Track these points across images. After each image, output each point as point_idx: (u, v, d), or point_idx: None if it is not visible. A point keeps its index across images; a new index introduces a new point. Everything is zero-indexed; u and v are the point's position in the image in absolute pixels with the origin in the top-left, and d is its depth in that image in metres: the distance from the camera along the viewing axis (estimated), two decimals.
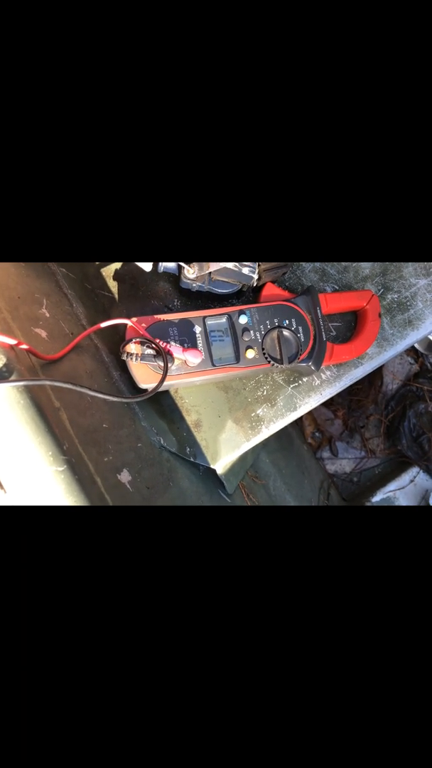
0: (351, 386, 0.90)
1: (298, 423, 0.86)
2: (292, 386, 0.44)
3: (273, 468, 0.62)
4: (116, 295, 0.42)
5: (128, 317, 0.41)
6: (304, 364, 0.41)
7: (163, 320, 0.38)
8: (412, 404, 0.84)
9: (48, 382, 0.27)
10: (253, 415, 0.43)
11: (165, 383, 0.37)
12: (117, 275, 0.43)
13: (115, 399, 0.31)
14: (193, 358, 0.36)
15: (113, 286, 0.43)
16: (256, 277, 0.40)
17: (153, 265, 0.39)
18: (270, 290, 0.42)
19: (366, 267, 0.47)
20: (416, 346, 0.91)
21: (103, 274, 0.43)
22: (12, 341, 0.26)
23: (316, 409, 0.88)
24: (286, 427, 0.46)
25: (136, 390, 0.38)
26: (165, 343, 0.36)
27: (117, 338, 0.40)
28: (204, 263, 0.39)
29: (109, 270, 0.43)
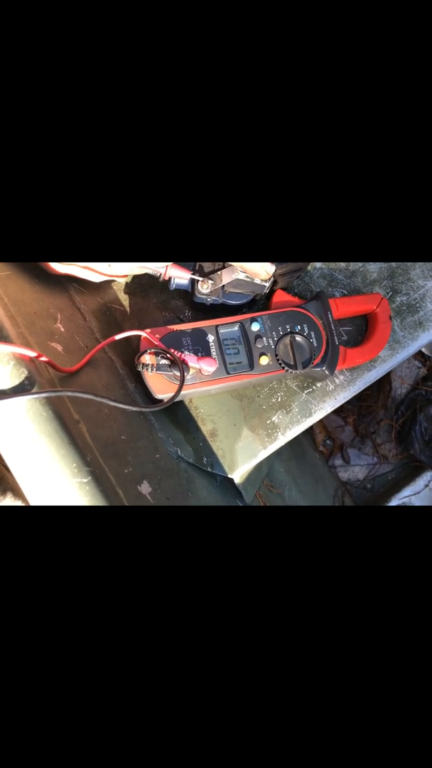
0: (360, 392, 0.90)
1: (309, 431, 0.86)
2: (306, 392, 0.44)
3: (287, 477, 0.61)
4: (128, 309, 0.43)
5: (141, 329, 0.41)
6: (318, 369, 0.41)
7: (177, 330, 0.38)
8: (422, 408, 0.84)
9: (70, 393, 0.27)
10: (268, 422, 0.43)
11: (181, 393, 0.37)
12: (128, 288, 0.43)
13: (134, 409, 0.31)
14: (208, 366, 0.36)
15: (125, 299, 0.43)
16: (269, 285, 0.40)
17: (164, 280, 0.39)
18: (280, 297, 0.42)
19: (374, 271, 0.47)
20: (423, 350, 0.91)
21: (114, 287, 0.43)
22: (32, 353, 0.26)
23: (326, 416, 0.87)
24: (298, 436, 0.45)
25: (151, 401, 0.38)
26: (179, 353, 0.37)
27: (130, 351, 0.40)
28: (217, 276, 0.39)
29: (120, 284, 0.44)
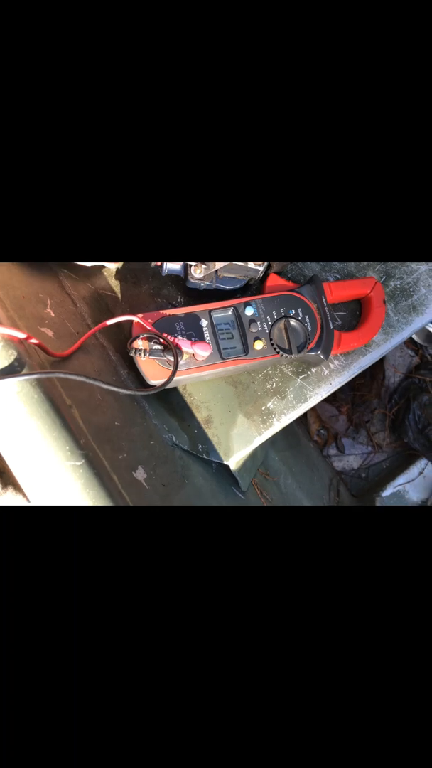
0: (354, 382, 0.90)
1: (303, 421, 0.86)
2: (301, 377, 0.43)
3: (283, 466, 0.61)
4: (119, 295, 0.42)
5: (133, 314, 0.41)
6: (312, 353, 0.41)
7: (169, 315, 0.38)
8: (415, 396, 0.84)
9: (62, 375, 0.26)
10: (263, 408, 0.42)
11: (174, 379, 0.37)
12: (119, 274, 0.43)
13: (127, 392, 0.30)
14: (202, 351, 0.36)
15: (116, 285, 0.42)
16: (263, 269, 0.39)
17: (156, 265, 0.38)
18: (274, 281, 0.42)
19: None
20: (415, 337, 0.91)
21: (105, 274, 0.43)
22: (22, 335, 0.25)
23: (320, 405, 0.87)
24: (292, 426, 0.45)
25: (144, 388, 0.38)
26: (173, 338, 0.36)
27: (122, 337, 0.40)
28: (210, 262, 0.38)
29: (111, 270, 0.43)
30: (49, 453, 0.24)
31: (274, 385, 0.43)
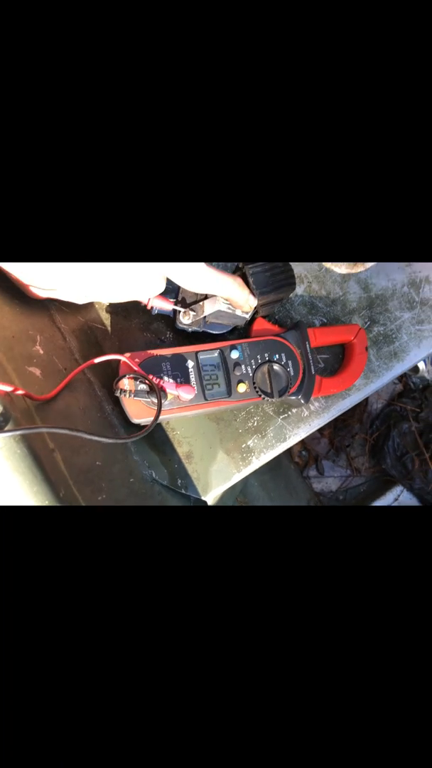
0: None
1: None
2: (281, 417, 0.45)
3: (262, 491, 0.62)
4: (109, 328, 0.43)
5: (121, 352, 0.42)
6: (293, 398, 0.42)
7: (156, 355, 0.39)
8: (396, 424, 0.86)
9: (45, 430, 0.27)
10: (243, 446, 0.44)
11: (161, 416, 0.38)
12: (110, 308, 0.44)
13: (109, 441, 0.31)
14: (186, 394, 0.37)
15: (106, 318, 0.43)
16: (248, 317, 0.40)
17: (147, 308, 0.39)
18: (260, 325, 0.43)
19: (353, 300, 0.48)
20: None
21: (96, 306, 0.43)
22: (8, 388, 0.26)
23: None
24: None
25: (128, 423, 0.39)
26: (158, 379, 0.37)
27: (110, 371, 0.40)
28: (199, 307, 0.39)
29: (102, 303, 0.44)
30: (28, 505, 0.25)
31: (255, 424, 0.44)
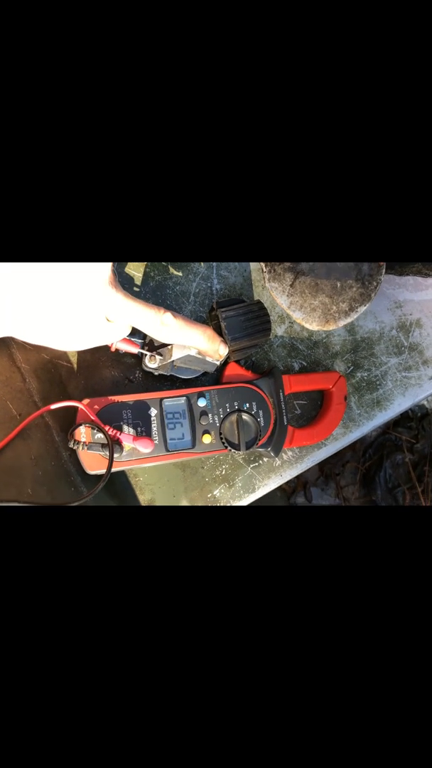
0: None
1: None
2: (252, 466, 0.43)
3: None
4: (75, 365, 0.41)
5: (87, 392, 0.40)
6: (262, 450, 0.40)
7: (117, 402, 0.37)
8: (389, 454, 0.84)
9: None
10: (209, 495, 0.42)
11: (117, 469, 0.36)
12: None
13: (51, 504, 0.30)
14: (144, 448, 0.35)
15: (72, 354, 0.41)
16: (219, 364, 0.38)
17: (112, 351, 0.38)
18: (233, 370, 0.41)
19: (337, 343, 0.46)
20: None
21: None
22: None
23: None
24: None
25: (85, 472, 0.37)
26: (115, 430, 0.35)
27: (71, 413, 0.39)
28: (166, 351, 0.37)
29: None
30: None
31: (223, 472, 0.42)
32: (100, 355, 0.42)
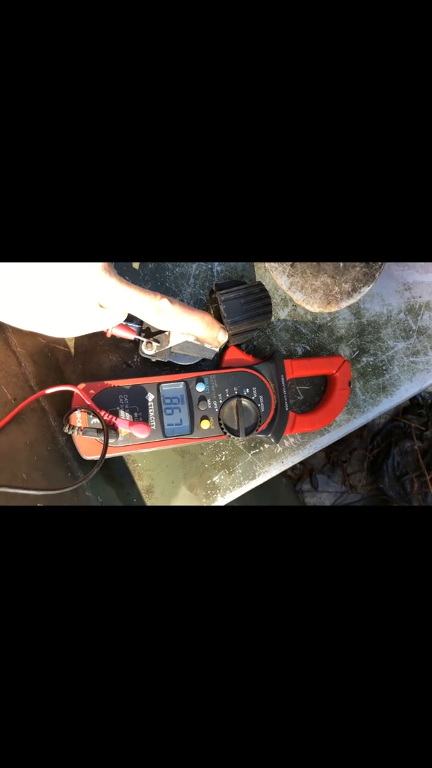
0: None
1: None
2: (252, 453, 0.42)
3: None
4: (72, 350, 0.40)
5: (84, 377, 0.39)
6: (262, 436, 0.39)
7: (114, 387, 0.36)
8: (398, 441, 0.82)
9: None
10: (209, 482, 0.41)
11: (113, 454, 0.36)
12: None
13: (41, 493, 0.29)
14: (140, 433, 0.35)
15: (70, 339, 0.41)
16: (218, 350, 0.37)
17: (108, 336, 0.37)
18: (233, 354, 0.40)
19: (342, 327, 0.44)
20: None
21: None
22: None
23: None
24: None
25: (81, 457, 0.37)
26: (110, 416, 0.35)
27: (68, 397, 0.38)
28: (164, 338, 0.36)
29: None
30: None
31: (223, 459, 0.41)
32: (97, 339, 0.41)
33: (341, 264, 0.35)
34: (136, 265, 0.41)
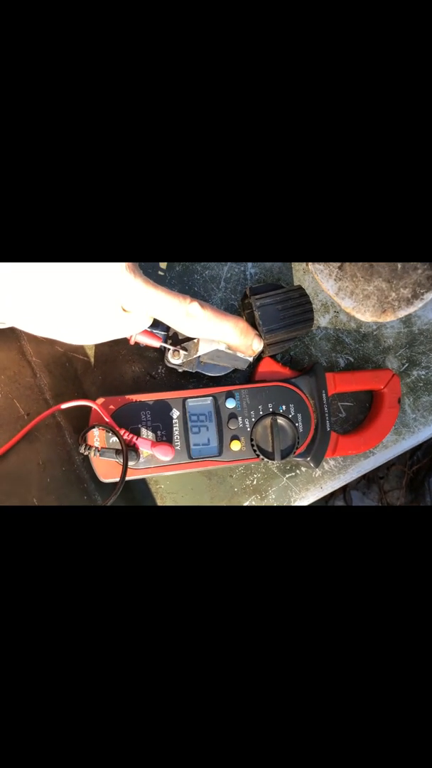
0: None
1: None
2: (287, 476, 0.38)
3: None
4: (92, 359, 0.37)
5: (104, 389, 0.36)
6: (300, 459, 0.35)
7: (136, 402, 0.33)
8: None
9: None
10: None
11: (134, 477, 0.32)
12: None
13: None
14: (163, 455, 0.31)
15: (89, 347, 0.38)
16: (251, 360, 0.33)
17: (132, 344, 0.33)
18: (268, 366, 0.36)
19: (389, 336, 0.39)
20: None
21: None
22: None
23: None
24: None
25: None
26: (131, 435, 0.31)
27: (86, 411, 0.35)
28: (192, 346, 0.33)
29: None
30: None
31: (254, 482, 0.37)
32: (119, 348, 0.38)
33: (399, 265, 0.30)
34: (163, 265, 0.38)
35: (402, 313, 0.32)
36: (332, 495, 0.79)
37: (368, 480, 0.79)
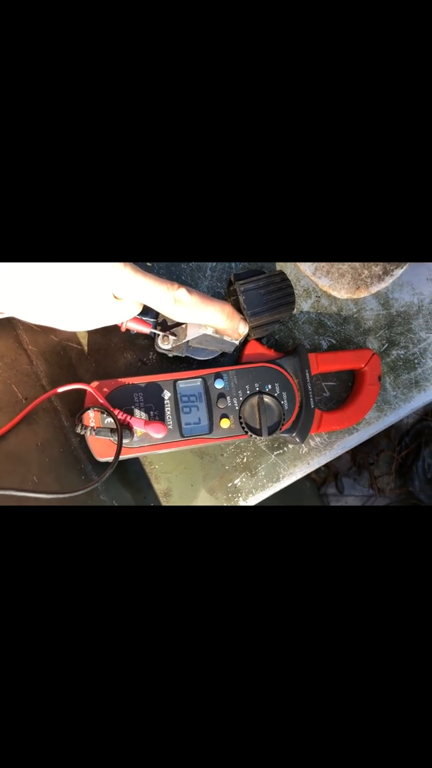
0: None
1: None
2: (275, 453, 0.39)
3: None
4: (86, 348, 0.39)
5: (98, 375, 0.38)
6: (286, 435, 0.37)
7: (128, 384, 0.34)
8: (428, 442, 0.78)
9: None
10: (230, 485, 0.39)
11: (128, 456, 0.34)
12: None
13: (53, 496, 0.28)
14: (156, 433, 0.33)
15: (83, 336, 0.39)
16: (238, 343, 0.35)
17: (123, 330, 0.35)
18: (254, 349, 0.37)
19: (369, 318, 0.41)
20: None
21: None
22: None
23: None
24: None
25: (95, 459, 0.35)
26: (125, 415, 0.33)
27: (81, 397, 0.37)
28: (181, 331, 0.35)
29: None
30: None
31: (244, 460, 0.39)
32: (111, 336, 0.40)
33: None
34: None
35: (374, 289, 0.34)
36: (325, 481, 0.81)
37: (359, 466, 0.81)
